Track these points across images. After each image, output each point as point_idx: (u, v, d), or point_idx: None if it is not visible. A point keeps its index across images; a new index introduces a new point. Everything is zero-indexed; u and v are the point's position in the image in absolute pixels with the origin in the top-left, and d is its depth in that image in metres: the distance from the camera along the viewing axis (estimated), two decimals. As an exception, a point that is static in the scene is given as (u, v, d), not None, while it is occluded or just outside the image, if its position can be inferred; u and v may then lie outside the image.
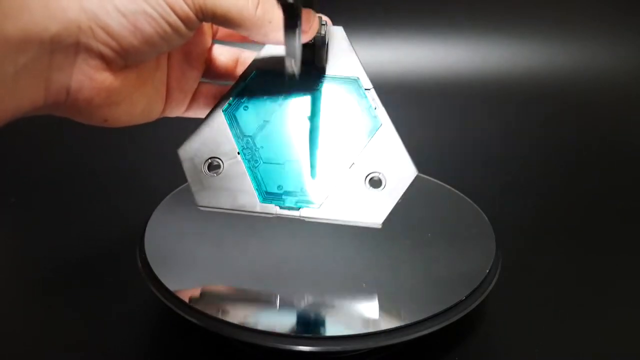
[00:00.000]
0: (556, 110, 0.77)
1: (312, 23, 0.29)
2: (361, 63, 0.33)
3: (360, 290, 0.33)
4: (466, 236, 0.39)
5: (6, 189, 0.54)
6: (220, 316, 0.30)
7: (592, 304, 0.40)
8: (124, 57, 0.25)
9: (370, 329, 0.29)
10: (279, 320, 0.30)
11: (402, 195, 0.30)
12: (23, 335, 0.36)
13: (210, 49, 0.33)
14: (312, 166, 0.31)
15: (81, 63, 0.25)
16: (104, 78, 0.26)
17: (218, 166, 0.30)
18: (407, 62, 0.83)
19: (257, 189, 0.30)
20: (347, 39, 0.33)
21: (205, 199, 0.30)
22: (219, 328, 0.29)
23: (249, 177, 0.31)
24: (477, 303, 0.32)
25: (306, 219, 0.30)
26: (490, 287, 0.33)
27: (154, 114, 0.30)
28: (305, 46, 0.30)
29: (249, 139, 0.31)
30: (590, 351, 0.35)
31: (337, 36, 0.33)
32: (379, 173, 0.30)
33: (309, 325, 0.30)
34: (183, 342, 0.35)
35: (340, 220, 0.30)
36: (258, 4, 0.27)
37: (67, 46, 0.24)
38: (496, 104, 0.78)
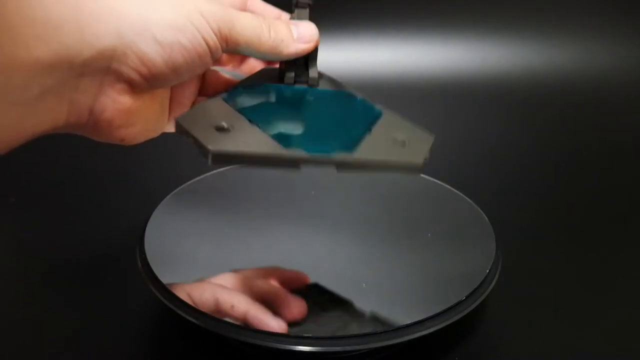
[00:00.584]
0: (556, 110, 0.77)
1: (314, 35, 0.32)
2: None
3: (360, 290, 0.33)
4: (466, 236, 0.39)
5: (6, 189, 0.54)
6: (220, 316, 0.30)
7: (592, 304, 0.40)
8: (150, 83, 0.26)
9: (371, 329, 0.29)
10: (279, 320, 0.30)
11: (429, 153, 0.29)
12: (23, 335, 0.36)
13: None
14: (332, 133, 0.30)
15: (107, 86, 0.25)
16: (126, 100, 0.26)
17: (228, 129, 0.27)
18: (407, 62, 0.83)
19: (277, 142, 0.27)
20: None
21: (219, 144, 0.26)
22: (219, 328, 0.29)
23: (266, 134, 0.27)
24: (477, 303, 0.32)
25: (340, 166, 0.26)
26: (491, 287, 0.33)
27: (160, 129, 0.31)
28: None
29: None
30: (590, 351, 0.35)
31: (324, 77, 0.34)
32: (399, 136, 0.29)
33: (309, 325, 0.30)
34: (183, 342, 0.35)
35: (380, 162, 0.27)
36: (270, 27, 0.29)
37: (97, 70, 0.24)
38: (496, 103, 0.78)
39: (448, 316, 0.30)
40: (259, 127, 0.28)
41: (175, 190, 0.43)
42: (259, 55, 0.31)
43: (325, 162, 0.26)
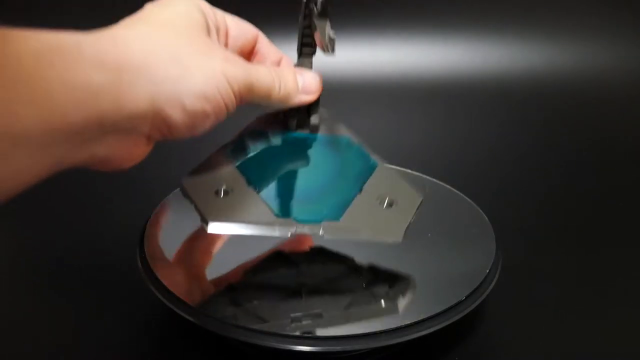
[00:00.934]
0: (556, 110, 0.77)
1: (318, 86, 0.34)
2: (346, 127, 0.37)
3: (360, 291, 0.33)
4: (466, 236, 0.39)
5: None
6: (220, 316, 0.30)
7: (592, 304, 0.40)
8: (166, 138, 0.28)
9: (370, 329, 0.29)
10: (279, 320, 0.30)
11: (414, 216, 0.31)
12: (23, 336, 0.36)
13: None
14: (324, 194, 0.33)
15: (127, 142, 0.26)
16: (140, 150, 0.27)
17: (227, 192, 0.31)
18: (407, 62, 0.83)
19: (271, 207, 0.30)
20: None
21: (216, 216, 0.29)
22: (219, 328, 0.29)
23: (261, 199, 0.30)
24: (477, 303, 0.32)
25: (327, 232, 0.29)
26: (491, 287, 0.33)
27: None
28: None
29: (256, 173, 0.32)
30: (590, 351, 0.35)
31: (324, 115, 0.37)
32: (388, 195, 0.31)
33: (309, 325, 0.30)
34: (183, 342, 0.35)
35: (361, 235, 0.30)
36: (280, 81, 0.32)
37: (124, 129, 0.25)
38: (496, 103, 0.78)
39: (448, 316, 0.30)
40: (256, 189, 0.31)
41: (176, 190, 0.43)
42: (266, 104, 0.32)
43: (314, 229, 0.29)
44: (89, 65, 0.23)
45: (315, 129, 0.36)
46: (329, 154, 0.36)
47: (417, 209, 0.31)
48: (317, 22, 0.33)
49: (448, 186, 0.45)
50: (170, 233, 0.38)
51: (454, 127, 0.73)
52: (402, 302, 0.32)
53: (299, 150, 0.35)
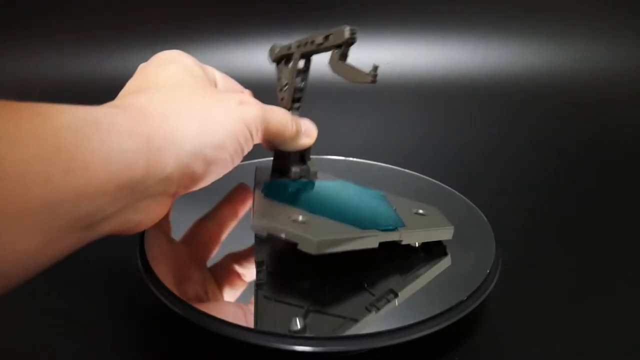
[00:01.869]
0: (556, 110, 0.77)
1: (315, 131, 0.37)
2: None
3: (361, 291, 0.33)
4: (466, 236, 0.39)
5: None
6: (220, 316, 0.30)
7: (592, 304, 0.40)
8: (187, 190, 0.29)
9: (370, 329, 0.29)
10: (280, 319, 0.30)
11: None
12: (22, 336, 0.36)
13: None
14: (370, 212, 0.35)
15: (157, 204, 0.27)
16: (165, 208, 0.28)
17: (303, 222, 0.31)
18: (407, 62, 0.83)
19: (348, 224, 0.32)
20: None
21: (319, 235, 0.29)
22: (219, 328, 0.29)
23: (333, 220, 0.32)
24: (477, 303, 0.32)
25: (404, 241, 0.33)
26: (491, 288, 0.33)
27: None
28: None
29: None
30: (590, 351, 0.35)
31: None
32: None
33: (309, 325, 0.30)
34: (183, 342, 0.35)
35: (433, 234, 0.35)
36: (292, 120, 0.34)
37: (154, 193, 0.26)
38: (496, 103, 0.78)
39: (448, 316, 0.30)
40: (325, 217, 0.32)
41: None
42: (278, 143, 0.34)
43: (394, 236, 0.33)
44: (122, 138, 0.23)
45: (314, 175, 0.39)
46: (345, 191, 0.39)
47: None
48: (343, 65, 0.34)
49: (447, 186, 0.45)
50: (170, 233, 0.38)
51: (453, 127, 0.73)
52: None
53: (323, 191, 0.38)
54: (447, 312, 0.30)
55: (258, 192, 0.35)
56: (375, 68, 0.34)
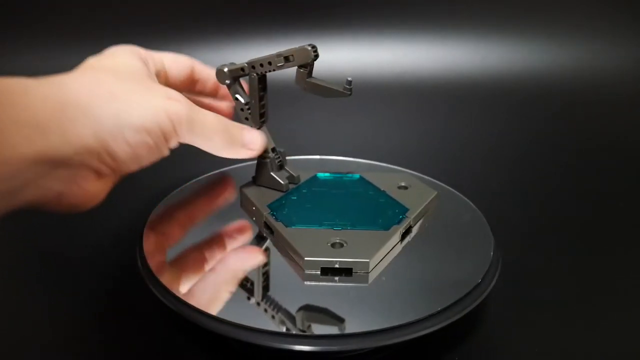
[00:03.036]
0: (556, 110, 0.77)
1: (260, 144, 0.38)
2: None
3: (361, 290, 0.33)
4: (465, 236, 0.39)
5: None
6: (220, 315, 0.30)
7: (592, 304, 0.40)
8: (115, 172, 0.30)
9: (370, 329, 0.29)
10: (279, 320, 0.30)
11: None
12: (22, 335, 0.36)
13: None
14: (313, 215, 0.38)
15: (77, 176, 0.28)
16: (91, 186, 0.29)
17: (341, 244, 0.35)
18: (407, 62, 0.83)
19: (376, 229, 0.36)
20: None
21: (367, 255, 0.33)
22: (219, 328, 0.29)
23: (364, 230, 0.36)
24: (476, 303, 0.31)
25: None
26: (490, 287, 0.33)
27: (101, 198, 0.33)
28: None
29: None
30: (590, 351, 0.35)
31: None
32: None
33: (309, 325, 0.30)
34: (183, 342, 0.35)
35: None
36: (227, 129, 0.35)
37: (73, 164, 0.27)
38: (496, 103, 0.78)
39: (448, 316, 0.30)
40: (351, 229, 0.36)
41: (175, 190, 0.44)
42: (209, 150, 0.35)
43: (407, 223, 0.37)
44: (35, 104, 0.25)
45: (298, 179, 0.42)
46: (365, 197, 0.41)
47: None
48: (315, 84, 0.36)
49: (447, 186, 0.45)
50: (170, 233, 0.38)
51: (453, 127, 0.73)
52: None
53: (321, 196, 0.41)
54: (446, 312, 0.30)
55: (281, 225, 0.36)
56: (350, 82, 0.36)
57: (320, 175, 0.44)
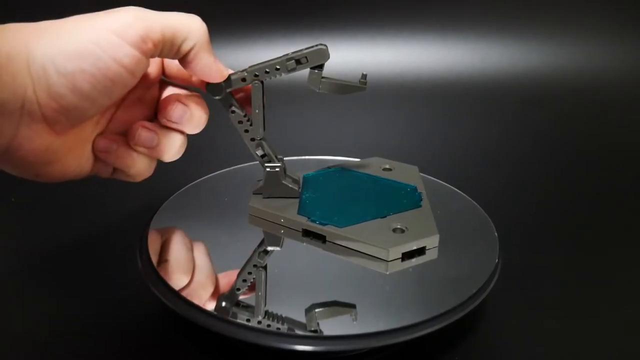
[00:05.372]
0: (557, 110, 0.77)
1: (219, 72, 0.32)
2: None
3: (361, 290, 0.33)
4: (468, 235, 0.39)
5: (6, 189, 0.54)
6: (220, 315, 0.30)
7: (592, 304, 0.40)
8: (66, 116, 0.26)
9: (371, 329, 0.29)
10: (280, 320, 0.30)
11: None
12: (22, 335, 0.36)
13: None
14: (352, 211, 0.38)
15: (24, 126, 0.26)
16: (43, 140, 0.26)
17: (402, 229, 0.36)
18: (407, 62, 0.83)
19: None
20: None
21: (435, 240, 0.36)
22: (220, 327, 0.29)
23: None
24: (477, 303, 0.31)
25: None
26: (490, 287, 0.33)
27: (83, 172, 0.31)
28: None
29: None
30: (590, 351, 0.35)
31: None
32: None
33: (309, 325, 0.30)
34: (183, 341, 0.35)
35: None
36: (194, 25, 0.29)
37: (12, 111, 0.25)
38: (497, 103, 0.78)
39: (448, 316, 0.30)
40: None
41: (178, 192, 0.43)
42: (193, 52, 0.30)
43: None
44: None
45: (300, 183, 0.41)
46: (374, 184, 0.42)
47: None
48: (331, 83, 0.36)
49: (450, 185, 0.45)
50: (172, 234, 0.38)
51: (454, 126, 0.74)
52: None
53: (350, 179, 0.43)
54: (446, 312, 0.30)
55: (333, 228, 0.36)
56: (364, 76, 0.35)
57: (308, 175, 0.43)
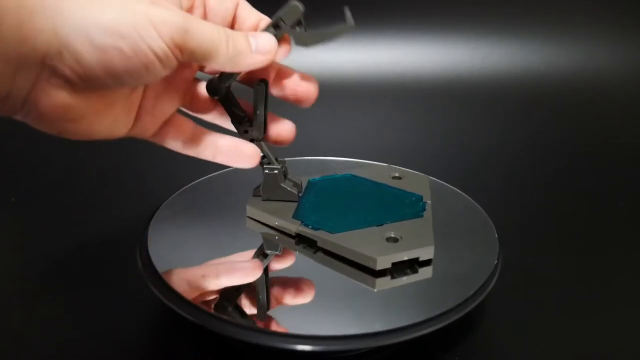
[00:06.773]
0: (556, 110, 0.77)
1: (273, 46, 0.32)
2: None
3: (361, 290, 0.33)
4: (468, 235, 0.39)
5: (6, 189, 0.54)
6: (220, 315, 0.30)
7: (592, 304, 0.40)
8: (86, 83, 0.26)
9: (370, 329, 0.29)
10: (280, 320, 0.30)
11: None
12: (22, 335, 0.36)
13: (193, 81, 0.34)
14: (349, 217, 0.37)
15: (42, 80, 0.25)
16: (62, 97, 0.26)
17: (396, 238, 0.35)
18: (407, 62, 0.83)
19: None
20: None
21: (431, 251, 0.34)
22: (219, 327, 0.29)
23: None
24: (477, 303, 0.31)
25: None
26: (490, 287, 0.33)
27: (118, 132, 0.31)
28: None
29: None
30: (590, 351, 0.35)
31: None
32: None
33: (309, 325, 0.30)
34: (184, 341, 0.35)
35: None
36: (229, 39, 0.29)
37: (32, 64, 0.25)
38: (497, 103, 0.78)
39: (448, 316, 0.30)
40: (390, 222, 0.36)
41: (178, 192, 0.43)
42: (217, 67, 0.31)
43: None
44: None
45: (301, 187, 0.41)
46: (378, 192, 0.41)
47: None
48: (317, 34, 0.34)
49: (450, 185, 0.45)
50: (172, 234, 0.38)
51: (454, 126, 0.74)
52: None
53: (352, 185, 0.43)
54: (446, 312, 0.30)
55: (324, 234, 0.35)
56: (347, 10, 0.34)
57: (313, 179, 0.43)
